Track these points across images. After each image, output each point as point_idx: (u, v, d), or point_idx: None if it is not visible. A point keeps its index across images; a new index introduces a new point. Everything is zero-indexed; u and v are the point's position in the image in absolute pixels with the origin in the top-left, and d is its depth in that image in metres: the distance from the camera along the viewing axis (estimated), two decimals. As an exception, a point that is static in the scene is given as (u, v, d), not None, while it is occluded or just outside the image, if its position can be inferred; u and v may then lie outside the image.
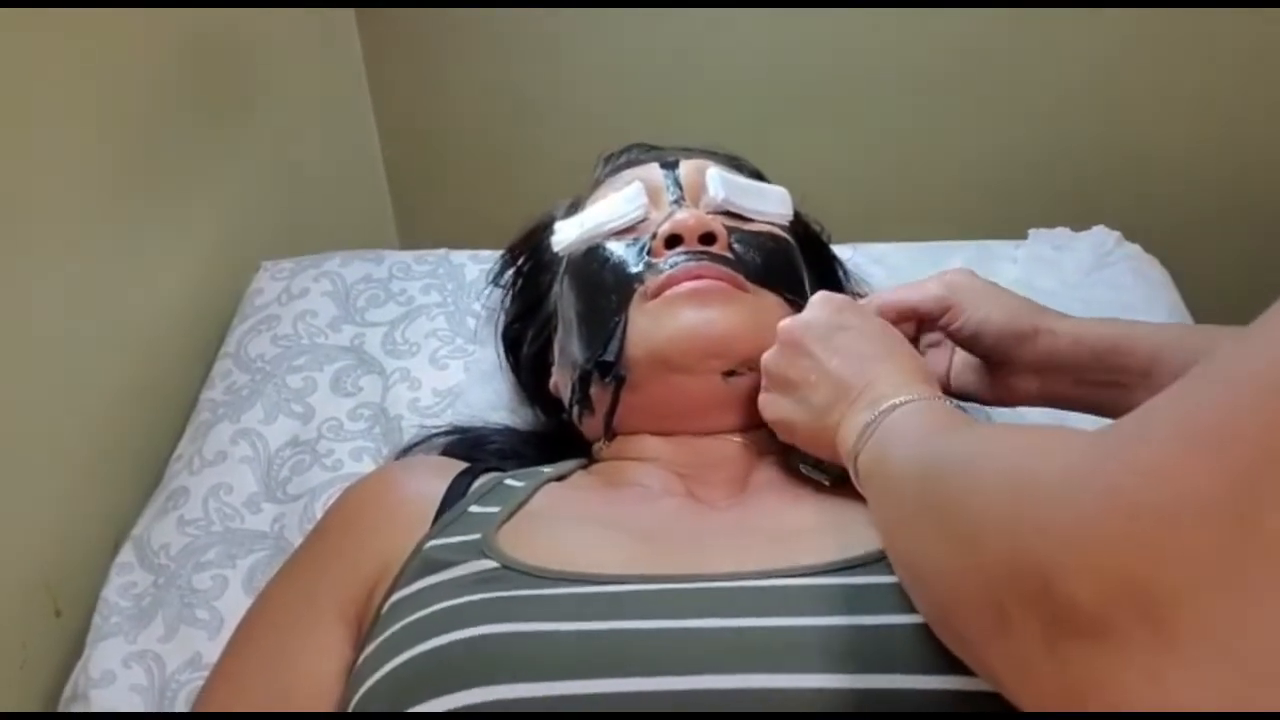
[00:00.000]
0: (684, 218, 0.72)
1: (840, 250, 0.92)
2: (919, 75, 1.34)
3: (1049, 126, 1.35)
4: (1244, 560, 0.28)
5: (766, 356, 0.67)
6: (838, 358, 0.62)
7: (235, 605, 0.77)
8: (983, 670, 0.41)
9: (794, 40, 1.34)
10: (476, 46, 1.40)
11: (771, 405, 0.67)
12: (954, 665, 0.49)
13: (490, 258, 0.98)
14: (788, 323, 0.67)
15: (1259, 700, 0.28)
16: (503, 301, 0.93)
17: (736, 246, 0.73)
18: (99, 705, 0.75)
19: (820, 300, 0.68)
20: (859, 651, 0.51)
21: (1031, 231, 1.09)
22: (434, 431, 0.87)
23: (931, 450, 0.49)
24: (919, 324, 0.73)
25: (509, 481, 0.70)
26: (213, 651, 0.70)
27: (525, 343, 0.87)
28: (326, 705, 0.60)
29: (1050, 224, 1.10)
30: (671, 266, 0.70)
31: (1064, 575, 0.32)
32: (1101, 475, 0.33)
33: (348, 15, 1.39)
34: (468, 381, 0.95)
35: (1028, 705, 0.37)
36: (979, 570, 0.38)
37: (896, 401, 0.56)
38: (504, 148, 1.47)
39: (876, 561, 0.56)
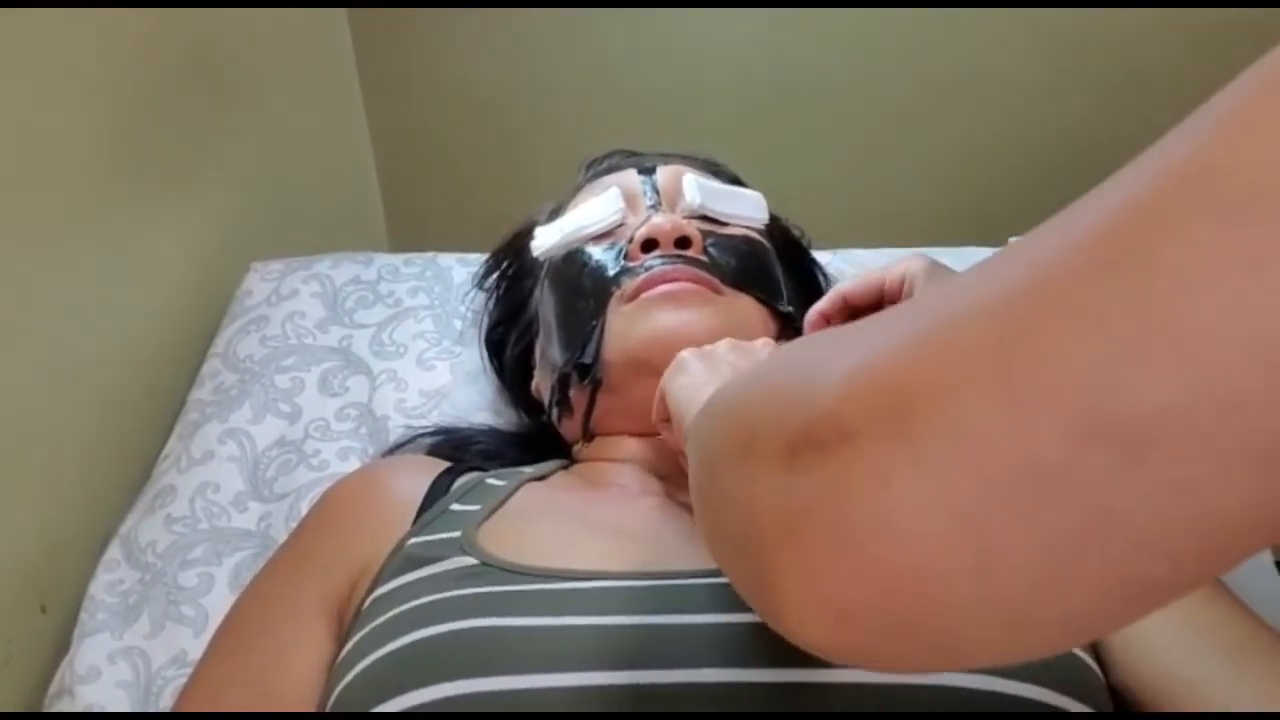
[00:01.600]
0: (660, 222, 0.74)
1: (820, 255, 0.94)
2: (900, 80, 1.35)
3: (1029, 132, 1.36)
4: (1011, 358, 0.25)
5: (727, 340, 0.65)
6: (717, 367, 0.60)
7: (221, 603, 0.78)
8: (720, 547, 0.36)
9: (777, 46, 1.35)
10: (468, 48, 1.41)
11: (690, 352, 0.63)
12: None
13: (478, 260, 0.99)
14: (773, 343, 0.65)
15: (983, 518, 0.24)
16: (486, 305, 0.94)
17: (712, 250, 0.74)
18: (84, 701, 0.76)
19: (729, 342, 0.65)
20: None
21: (1012, 238, 1.11)
22: (420, 432, 0.88)
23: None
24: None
25: (490, 481, 0.71)
26: (198, 648, 0.71)
27: (508, 346, 0.88)
28: (309, 702, 0.61)
29: (1029, 231, 1.11)
30: (647, 270, 0.72)
31: (826, 385, 0.28)
32: (899, 315, 0.30)
33: (339, 16, 1.40)
34: (454, 383, 0.96)
35: (736, 556, 0.32)
36: (744, 410, 0.34)
37: None
38: (496, 150, 1.48)
39: None
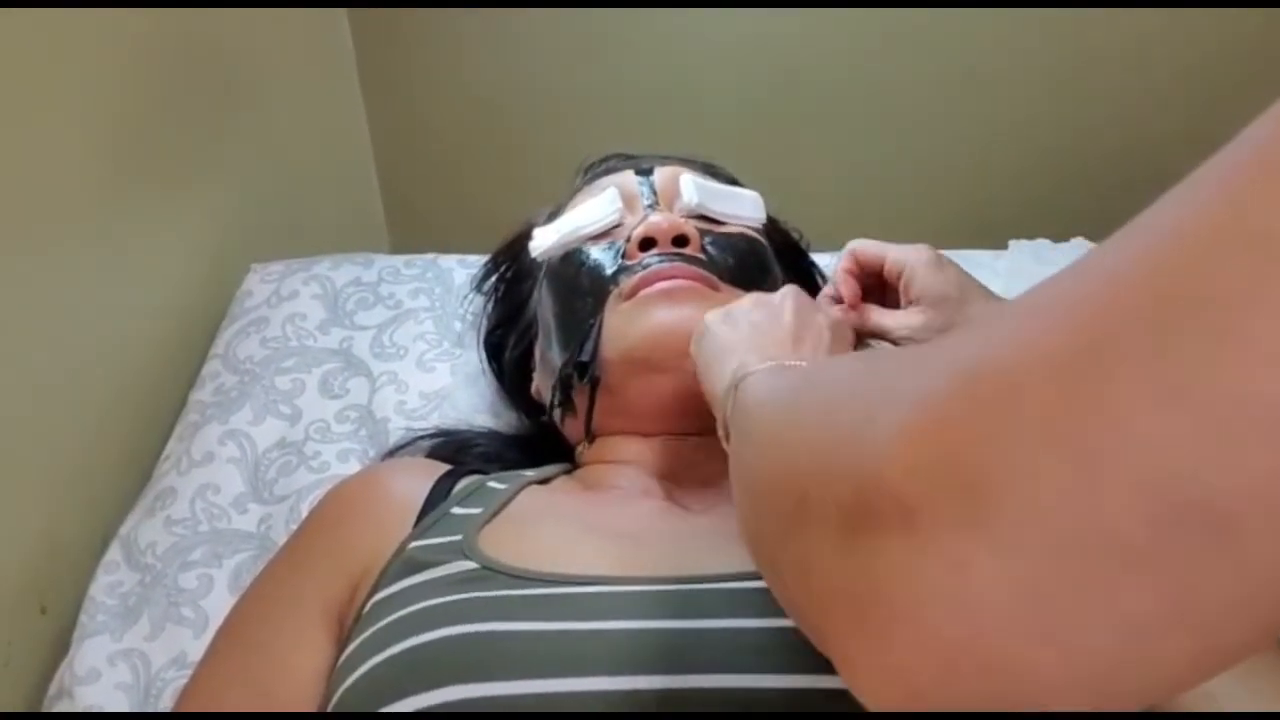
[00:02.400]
0: (657, 221, 0.74)
1: (820, 257, 0.94)
2: (900, 82, 1.35)
3: (1030, 134, 1.36)
4: (1082, 429, 0.24)
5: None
6: (803, 330, 0.60)
7: (220, 604, 0.78)
8: (776, 587, 0.36)
9: (777, 47, 1.35)
10: (469, 49, 1.41)
11: (714, 314, 0.63)
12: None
13: (478, 262, 0.99)
14: (800, 290, 0.65)
15: (1065, 602, 0.24)
16: (484, 307, 0.94)
17: (709, 248, 0.74)
18: (84, 702, 0.76)
19: (840, 319, 0.66)
20: None
21: (1012, 242, 1.11)
22: (420, 434, 0.88)
23: (791, 379, 0.47)
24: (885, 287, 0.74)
25: (491, 484, 0.71)
26: (198, 650, 0.71)
27: (507, 349, 0.88)
28: (309, 703, 0.61)
29: (1030, 234, 1.11)
30: (645, 268, 0.72)
31: (876, 453, 0.27)
32: (948, 351, 0.29)
33: (340, 17, 1.40)
34: (454, 385, 0.96)
35: (807, 610, 0.32)
36: (791, 466, 0.34)
37: (800, 362, 0.52)
38: (497, 151, 1.48)
39: None
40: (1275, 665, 0.55)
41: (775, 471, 0.35)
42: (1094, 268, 0.26)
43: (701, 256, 0.73)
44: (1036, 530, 0.24)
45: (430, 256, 1.10)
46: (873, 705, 0.28)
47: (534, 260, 0.82)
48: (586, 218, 0.78)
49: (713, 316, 0.62)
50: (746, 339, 0.57)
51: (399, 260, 1.10)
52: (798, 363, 0.52)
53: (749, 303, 0.63)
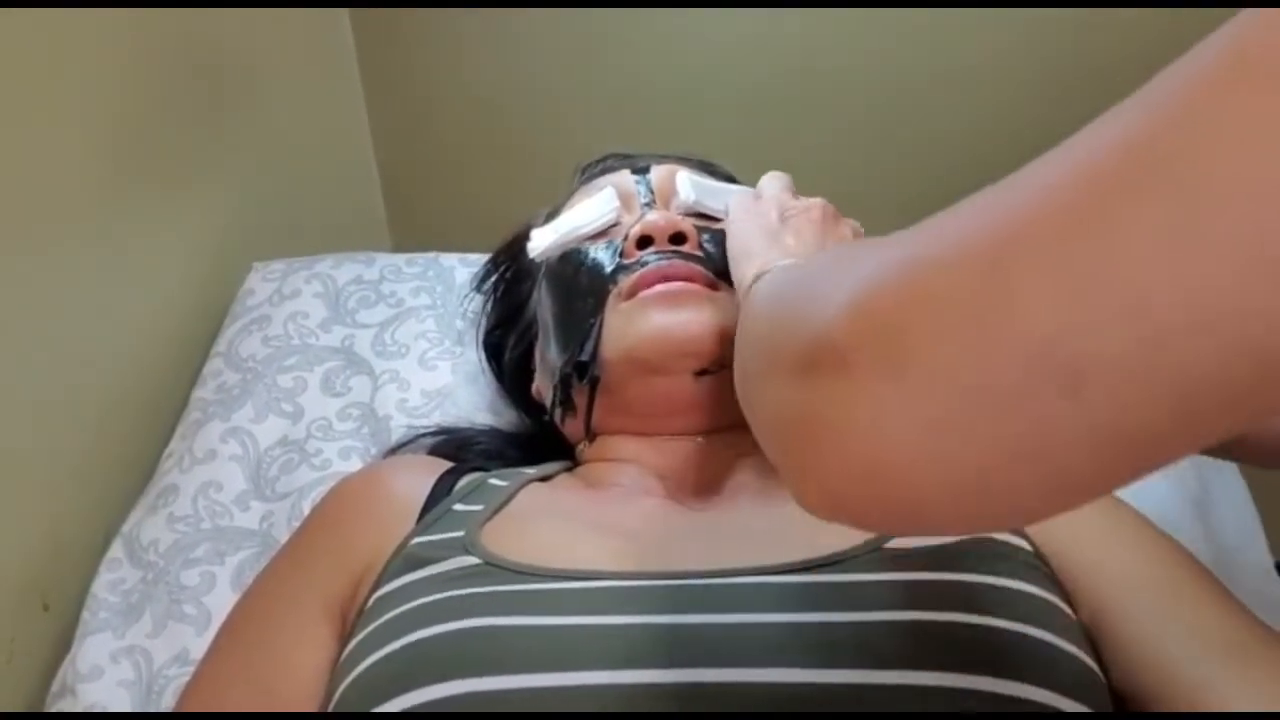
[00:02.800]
0: (654, 219, 0.74)
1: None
2: (903, 81, 1.35)
3: (1036, 134, 1.35)
4: (983, 302, 0.30)
5: (789, 196, 0.72)
6: (829, 245, 0.65)
7: (223, 602, 0.78)
8: (752, 423, 0.45)
9: (778, 45, 1.35)
10: (470, 48, 1.41)
11: (745, 202, 0.71)
12: (914, 660, 0.51)
13: (479, 260, 0.99)
14: (832, 206, 0.71)
15: (951, 430, 0.31)
16: (484, 307, 0.94)
17: (707, 245, 0.74)
18: (86, 699, 0.76)
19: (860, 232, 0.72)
20: (821, 647, 0.52)
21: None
22: (421, 432, 0.88)
23: (794, 273, 0.52)
24: None
25: (493, 481, 0.71)
26: (200, 647, 0.71)
27: (507, 349, 0.88)
28: (311, 700, 0.61)
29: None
30: (643, 266, 0.72)
31: (828, 317, 0.35)
32: (895, 243, 0.35)
33: (341, 16, 1.40)
34: (455, 383, 0.97)
35: (772, 449, 0.40)
36: (773, 325, 0.42)
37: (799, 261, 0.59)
38: (498, 149, 1.48)
39: (841, 561, 0.57)
40: (1266, 649, 0.55)
41: (761, 337, 0.44)
42: (1013, 186, 0.32)
43: (699, 254, 0.73)
44: (937, 381, 0.31)
45: (431, 255, 1.10)
46: (809, 511, 0.37)
47: (533, 261, 0.82)
48: (584, 217, 0.78)
49: (744, 201, 0.71)
50: (776, 243, 0.64)
51: (400, 259, 1.10)
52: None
53: (790, 211, 0.69)
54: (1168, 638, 0.57)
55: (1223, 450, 0.62)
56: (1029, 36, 1.31)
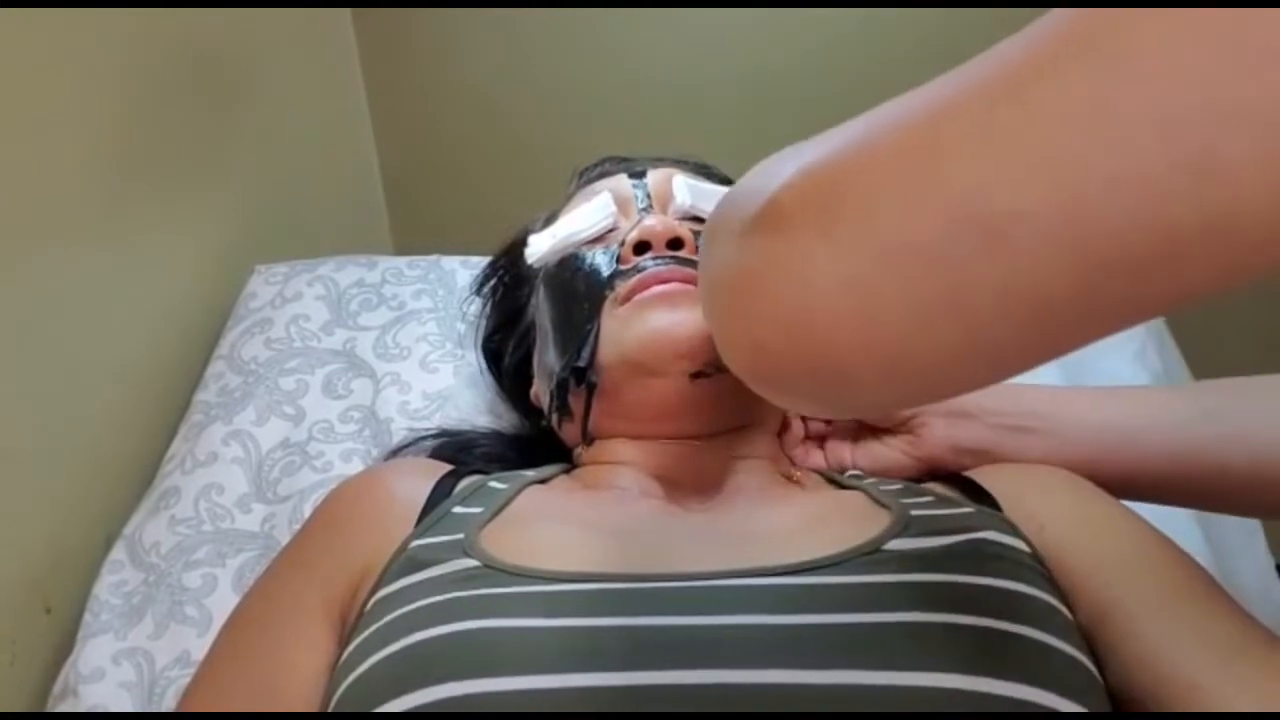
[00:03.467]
0: (651, 224, 0.74)
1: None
2: (904, 80, 1.35)
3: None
4: (913, 163, 0.32)
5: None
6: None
7: (224, 604, 0.78)
8: (700, 293, 0.47)
9: (782, 47, 1.36)
10: (473, 51, 1.42)
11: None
12: (909, 661, 0.51)
13: (481, 263, 1.00)
14: None
15: (873, 283, 0.32)
16: (483, 311, 0.94)
17: None
18: (88, 701, 0.76)
19: None
20: (817, 648, 0.52)
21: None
22: (422, 434, 0.88)
23: None
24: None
25: (492, 484, 0.71)
26: (201, 649, 0.71)
27: (506, 354, 0.89)
28: (311, 701, 0.61)
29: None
30: (640, 271, 0.72)
31: (779, 185, 0.37)
32: (846, 130, 0.37)
33: (344, 19, 1.40)
34: (457, 385, 0.97)
35: (708, 308, 0.41)
36: (728, 202, 0.44)
37: None
38: (500, 152, 1.49)
39: (838, 564, 0.57)
40: (1261, 648, 0.55)
41: (717, 213, 0.46)
42: (956, 71, 0.34)
43: (696, 258, 0.73)
44: (862, 236, 0.33)
45: (433, 258, 1.11)
46: (732, 365, 0.38)
47: (531, 266, 0.82)
48: (580, 223, 0.78)
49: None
50: None
51: (402, 262, 1.10)
52: None
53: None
54: (1166, 639, 0.56)
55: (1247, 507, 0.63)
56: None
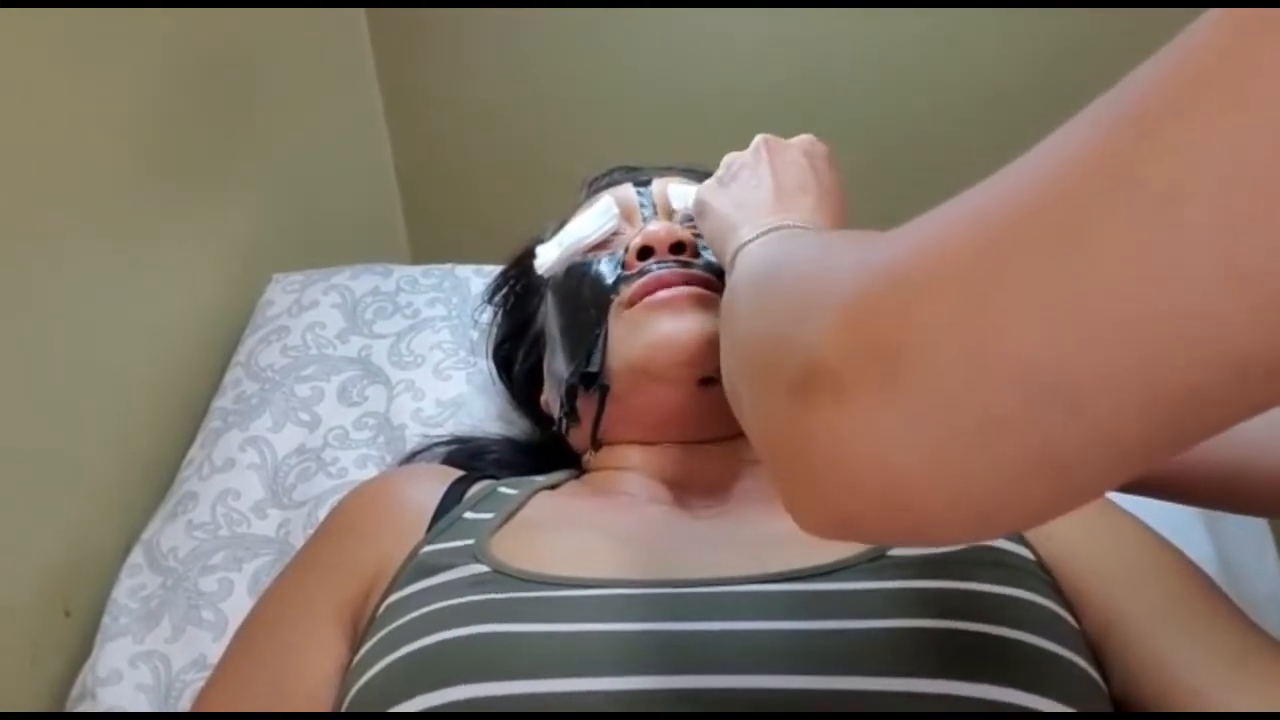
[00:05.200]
0: (654, 229, 0.75)
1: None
2: (913, 87, 1.35)
3: (1037, 137, 1.35)
4: (975, 327, 0.31)
5: (733, 153, 0.72)
6: (784, 179, 0.66)
7: (240, 608, 0.79)
8: (746, 429, 0.45)
9: (796, 53, 1.35)
10: (488, 62, 1.42)
11: (707, 188, 0.70)
12: (912, 667, 0.51)
13: (494, 272, 1.01)
14: (771, 136, 0.71)
15: (953, 457, 0.31)
16: (494, 319, 0.95)
17: (707, 254, 0.75)
18: (106, 703, 0.77)
19: (809, 139, 0.72)
20: (824, 654, 0.52)
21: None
22: (436, 441, 0.89)
23: (774, 251, 0.53)
24: None
25: (503, 489, 0.72)
26: (217, 652, 0.72)
27: (516, 362, 0.90)
28: (323, 704, 0.62)
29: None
30: (644, 276, 0.73)
31: (820, 336, 0.35)
32: (880, 255, 0.35)
33: (361, 30, 1.41)
34: (469, 393, 0.98)
35: (769, 463, 0.39)
36: (759, 335, 0.42)
37: (788, 224, 0.59)
38: (516, 162, 1.49)
39: (844, 569, 0.58)
40: (1265, 654, 0.55)
41: (747, 343, 0.44)
42: (993, 194, 0.33)
43: (698, 262, 0.74)
44: (936, 407, 0.31)
45: (447, 266, 1.12)
46: (807, 531, 0.37)
47: (540, 275, 0.83)
48: (584, 228, 0.79)
49: (705, 191, 0.70)
50: (738, 212, 0.64)
51: (417, 270, 1.11)
52: (784, 224, 0.58)
53: (736, 168, 0.69)
54: (1170, 647, 0.57)
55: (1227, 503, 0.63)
56: (1047, 42, 1.30)
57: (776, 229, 0.57)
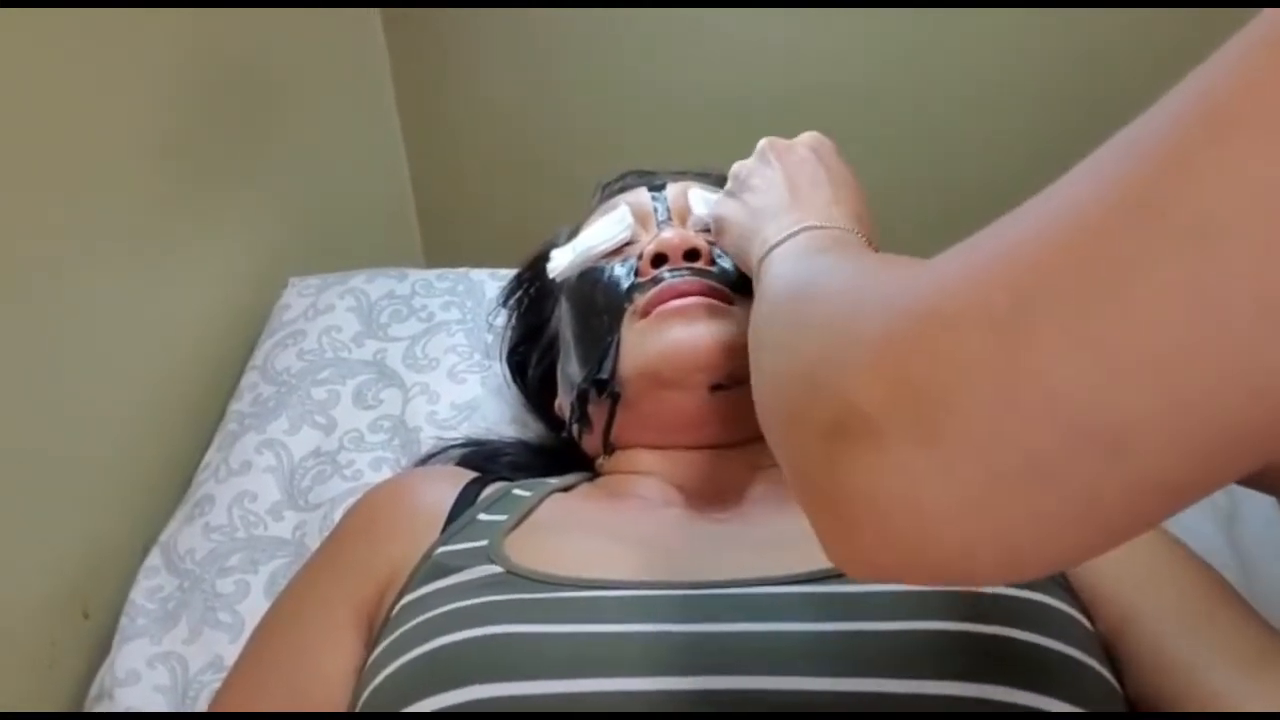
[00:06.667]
0: (668, 236, 0.75)
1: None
2: (931, 91, 1.35)
3: (1078, 148, 1.35)
4: (1013, 370, 0.30)
5: (739, 162, 0.72)
6: (797, 178, 0.65)
7: (256, 609, 0.79)
8: (780, 463, 0.43)
9: (812, 54, 1.35)
10: (503, 68, 1.43)
11: (721, 203, 0.71)
12: (933, 669, 0.51)
13: (509, 275, 1.01)
14: (774, 138, 0.71)
15: (994, 505, 0.31)
16: (508, 323, 0.95)
17: (721, 260, 0.75)
18: (124, 704, 0.78)
19: (814, 135, 0.71)
20: (840, 655, 0.52)
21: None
22: (450, 443, 0.90)
23: (804, 267, 0.52)
24: None
25: (517, 491, 0.72)
26: (234, 654, 0.73)
27: (530, 366, 0.90)
28: (338, 703, 0.63)
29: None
30: (657, 283, 0.73)
31: (853, 379, 0.34)
32: (912, 293, 0.34)
33: (377, 36, 1.42)
34: (484, 396, 0.98)
35: (805, 507, 0.38)
36: (791, 375, 0.40)
37: (811, 224, 0.58)
38: (530, 165, 1.50)
39: None
40: (1277, 657, 0.55)
41: (778, 378, 0.43)
42: (1025, 228, 0.32)
43: (713, 269, 0.74)
44: (975, 453, 0.30)
45: (462, 270, 1.12)
46: (845, 571, 0.37)
47: (553, 280, 0.84)
48: (598, 236, 0.79)
49: (720, 206, 0.71)
50: (756, 219, 0.64)
51: (432, 274, 1.12)
52: (806, 224, 0.58)
53: (745, 176, 0.69)
54: (1185, 651, 0.56)
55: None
56: (1080, 43, 1.29)
57: (800, 230, 0.57)
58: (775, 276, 0.53)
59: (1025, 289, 0.30)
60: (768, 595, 0.57)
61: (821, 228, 0.57)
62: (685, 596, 0.57)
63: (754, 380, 0.50)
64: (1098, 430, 0.29)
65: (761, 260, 0.58)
